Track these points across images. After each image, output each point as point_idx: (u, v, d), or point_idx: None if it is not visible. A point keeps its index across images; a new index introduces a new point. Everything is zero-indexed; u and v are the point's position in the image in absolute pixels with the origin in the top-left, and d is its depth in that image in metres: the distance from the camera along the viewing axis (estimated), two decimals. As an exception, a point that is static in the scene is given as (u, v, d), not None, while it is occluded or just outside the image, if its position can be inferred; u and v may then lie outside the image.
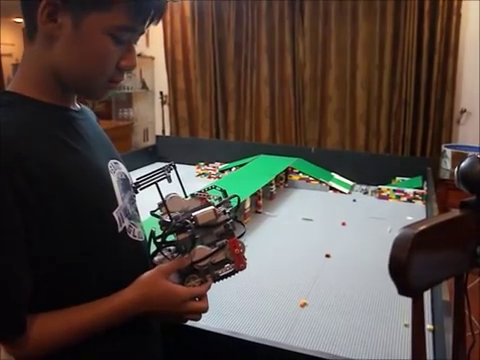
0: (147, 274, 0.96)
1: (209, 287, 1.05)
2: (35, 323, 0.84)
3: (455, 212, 0.67)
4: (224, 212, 1.04)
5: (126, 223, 0.98)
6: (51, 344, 0.87)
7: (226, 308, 1.64)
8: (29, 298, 0.83)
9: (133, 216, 1.03)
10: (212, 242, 1.03)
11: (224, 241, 1.03)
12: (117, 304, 0.91)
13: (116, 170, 1.01)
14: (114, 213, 0.94)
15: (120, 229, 0.95)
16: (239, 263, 1.05)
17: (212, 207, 1.02)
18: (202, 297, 1.03)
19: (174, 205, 1.02)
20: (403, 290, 0.58)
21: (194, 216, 0.99)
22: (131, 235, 1.00)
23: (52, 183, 0.83)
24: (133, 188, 0.99)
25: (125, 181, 1.04)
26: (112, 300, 0.92)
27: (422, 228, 0.58)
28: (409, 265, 0.57)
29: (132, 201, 1.06)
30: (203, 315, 1.58)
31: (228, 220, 1.03)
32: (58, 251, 0.85)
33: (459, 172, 0.70)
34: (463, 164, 0.70)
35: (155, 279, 0.95)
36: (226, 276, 1.07)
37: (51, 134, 0.88)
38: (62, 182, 0.84)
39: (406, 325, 1.58)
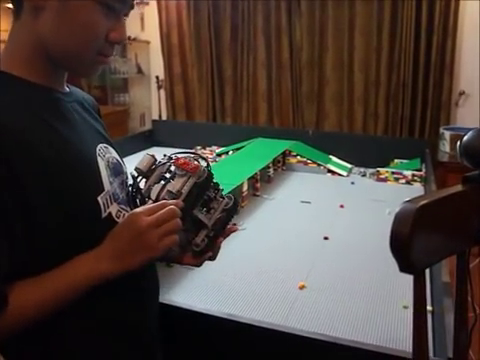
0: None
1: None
2: (11, 293, 0.80)
3: (457, 187, 0.65)
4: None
5: (114, 208, 0.95)
6: (26, 313, 0.83)
7: (224, 291, 1.63)
8: (6, 276, 0.79)
9: (124, 201, 1.01)
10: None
11: (169, 163, 1.00)
12: (92, 255, 0.87)
13: (106, 154, 0.99)
14: (99, 198, 0.91)
15: (104, 214, 0.92)
16: (188, 168, 0.97)
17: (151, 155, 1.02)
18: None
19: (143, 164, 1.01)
20: (404, 267, 0.56)
21: (136, 167, 0.99)
22: (120, 220, 0.96)
23: (31, 165, 0.80)
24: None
25: (116, 165, 1.02)
26: (88, 253, 0.87)
27: (424, 202, 0.56)
28: (411, 241, 0.55)
29: (123, 186, 1.04)
30: (201, 298, 1.58)
31: (170, 159, 1.01)
32: (38, 235, 0.83)
33: (462, 146, 0.67)
34: (466, 137, 0.67)
35: (128, 216, 0.89)
36: (195, 192, 0.98)
37: (34, 115, 0.85)
38: (42, 165, 0.82)
39: (405, 307, 1.57)
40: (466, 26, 4.12)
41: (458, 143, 0.69)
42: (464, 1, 4.05)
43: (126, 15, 0.92)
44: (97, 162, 0.94)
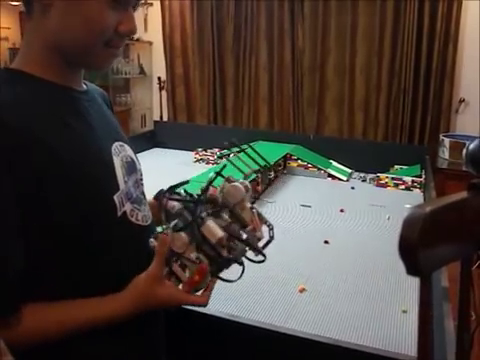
0: (142, 283, 0.91)
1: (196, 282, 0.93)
2: (31, 310, 0.83)
3: (462, 193, 0.67)
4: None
5: (128, 207, 0.95)
6: (42, 335, 0.86)
7: (225, 292, 1.65)
8: (20, 278, 0.81)
9: (137, 200, 1.01)
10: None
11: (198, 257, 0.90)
12: (115, 311, 0.90)
13: (121, 153, 0.99)
14: (115, 197, 0.92)
15: (119, 213, 0.93)
16: (184, 287, 0.92)
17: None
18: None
19: (230, 195, 0.95)
20: (412, 270, 0.58)
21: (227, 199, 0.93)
22: (134, 219, 0.97)
23: (48, 164, 0.81)
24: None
25: (130, 164, 1.02)
26: (110, 304, 0.90)
27: (432, 208, 0.58)
28: (419, 245, 0.56)
29: (137, 185, 1.03)
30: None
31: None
32: (55, 234, 0.84)
33: (468, 154, 0.69)
34: (472, 146, 0.69)
35: (151, 289, 0.90)
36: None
37: (50, 113, 0.86)
38: (58, 164, 0.82)
39: (404, 311, 1.59)
40: (467, 34, 4.15)
41: (464, 151, 0.70)
42: (465, 9, 4.09)
43: (135, 8, 0.92)
44: (113, 161, 0.95)
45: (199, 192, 0.94)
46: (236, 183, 0.96)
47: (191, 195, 0.96)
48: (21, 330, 0.82)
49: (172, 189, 0.98)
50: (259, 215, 0.98)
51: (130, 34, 0.91)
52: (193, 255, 0.90)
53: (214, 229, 0.89)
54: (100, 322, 0.89)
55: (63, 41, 0.87)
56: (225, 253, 0.90)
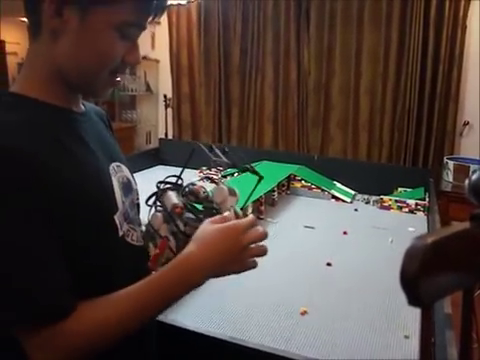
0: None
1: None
2: (82, 307, 0.80)
3: (465, 224, 0.67)
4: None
5: (125, 227, 0.97)
6: (103, 330, 0.82)
7: (225, 313, 1.64)
8: (71, 281, 0.81)
9: (133, 220, 1.03)
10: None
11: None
12: (177, 265, 0.88)
13: (117, 173, 1.01)
14: (115, 217, 0.93)
15: (121, 233, 0.95)
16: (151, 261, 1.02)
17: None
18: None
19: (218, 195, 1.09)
20: (413, 301, 0.58)
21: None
22: (129, 239, 0.99)
23: (52, 188, 0.81)
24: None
25: (127, 184, 1.03)
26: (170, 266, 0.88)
27: (434, 239, 0.58)
28: (420, 277, 0.57)
29: (133, 205, 1.05)
30: (202, 319, 1.59)
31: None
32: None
33: (471, 184, 0.70)
34: (475, 176, 0.70)
35: (204, 227, 0.93)
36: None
37: (51, 137, 0.87)
38: (61, 187, 0.83)
39: (406, 336, 1.57)
40: (471, 56, 4.18)
41: (466, 181, 0.71)
42: (469, 32, 4.12)
43: (139, 35, 0.95)
44: (112, 182, 0.96)
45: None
46: (222, 186, 1.11)
47: (180, 185, 1.12)
48: (78, 332, 0.79)
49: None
50: (237, 213, 1.09)
51: (135, 64, 0.94)
52: (163, 233, 1.03)
53: (171, 197, 1.05)
54: (164, 287, 0.87)
55: (69, 67, 0.89)
56: (182, 227, 1.02)
